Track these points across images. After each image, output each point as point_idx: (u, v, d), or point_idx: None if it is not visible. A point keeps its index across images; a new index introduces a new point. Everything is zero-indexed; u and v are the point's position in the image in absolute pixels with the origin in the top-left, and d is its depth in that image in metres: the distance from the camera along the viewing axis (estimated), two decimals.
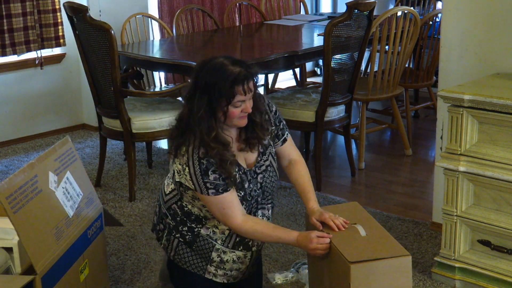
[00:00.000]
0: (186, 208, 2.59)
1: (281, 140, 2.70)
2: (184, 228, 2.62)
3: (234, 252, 2.62)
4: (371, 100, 4.77)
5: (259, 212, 2.64)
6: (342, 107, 4.32)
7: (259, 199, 2.61)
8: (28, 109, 5.34)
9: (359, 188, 4.40)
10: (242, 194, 2.53)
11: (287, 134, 2.72)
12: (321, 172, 4.27)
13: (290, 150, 2.73)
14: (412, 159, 4.87)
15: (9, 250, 2.50)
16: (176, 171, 2.49)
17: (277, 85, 6.38)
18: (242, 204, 2.53)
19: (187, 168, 2.44)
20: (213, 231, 2.60)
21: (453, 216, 3.00)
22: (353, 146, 4.89)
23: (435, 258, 3.12)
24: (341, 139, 4.97)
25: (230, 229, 2.57)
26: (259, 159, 2.60)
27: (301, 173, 2.70)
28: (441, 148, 3.28)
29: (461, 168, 2.90)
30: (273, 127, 2.65)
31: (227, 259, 2.62)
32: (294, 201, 4.04)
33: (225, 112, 2.41)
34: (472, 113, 2.85)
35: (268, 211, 2.68)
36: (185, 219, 2.61)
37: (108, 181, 4.43)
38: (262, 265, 2.96)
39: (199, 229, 2.60)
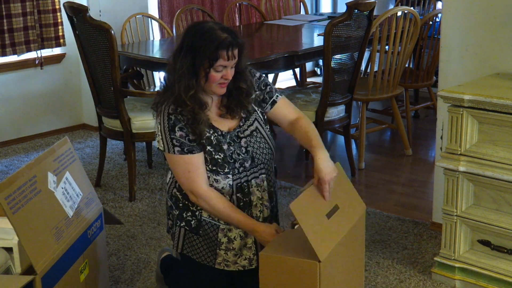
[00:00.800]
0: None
1: (269, 103, 2.67)
2: (188, 214, 2.61)
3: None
4: (371, 100, 4.77)
5: (253, 181, 2.60)
6: (342, 107, 4.32)
7: (247, 164, 2.57)
8: (28, 109, 5.35)
9: (359, 188, 4.40)
10: (222, 156, 2.53)
11: (276, 96, 2.67)
12: None
13: (285, 111, 2.67)
14: (412, 159, 4.87)
15: (9, 250, 2.50)
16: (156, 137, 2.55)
17: (277, 85, 6.38)
18: (224, 167, 2.53)
19: (159, 125, 2.50)
20: None
21: (453, 216, 3.00)
22: (353, 146, 4.89)
23: (435, 258, 3.12)
24: (341, 139, 4.96)
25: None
26: (241, 124, 2.60)
27: (303, 126, 2.61)
28: (441, 148, 3.28)
29: (461, 168, 2.90)
30: (258, 92, 2.65)
31: (234, 236, 2.59)
32: None
33: (206, 74, 2.45)
34: (472, 113, 2.85)
35: (263, 181, 2.63)
36: (186, 202, 2.60)
37: (108, 181, 4.43)
38: None
39: (200, 211, 2.59)
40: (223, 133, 2.56)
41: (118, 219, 3.49)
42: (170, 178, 2.68)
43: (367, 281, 3.12)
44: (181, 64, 2.46)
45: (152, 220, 3.80)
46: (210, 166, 2.54)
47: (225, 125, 2.59)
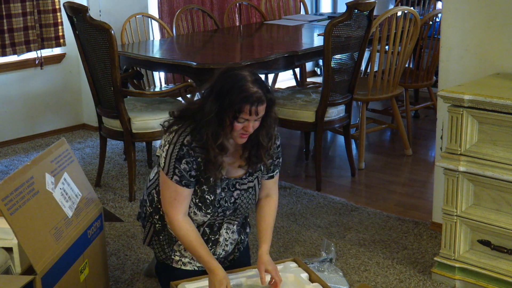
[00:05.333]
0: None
1: (269, 175, 2.73)
2: (156, 217, 2.70)
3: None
4: (371, 100, 4.77)
5: (225, 225, 2.69)
6: (342, 107, 4.32)
7: (228, 213, 2.65)
8: (28, 109, 5.34)
9: (359, 188, 4.40)
10: (212, 198, 2.58)
11: (276, 172, 2.74)
12: (321, 172, 4.27)
13: (271, 186, 2.76)
14: (412, 159, 4.86)
15: (9, 250, 2.50)
16: (159, 146, 2.58)
17: (277, 85, 6.38)
18: (209, 208, 2.58)
19: (167, 145, 2.52)
20: None
21: (453, 216, 3.00)
22: (353, 146, 4.89)
23: (435, 258, 3.12)
24: (341, 139, 4.97)
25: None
26: (243, 177, 2.64)
27: (270, 213, 2.72)
28: (441, 148, 3.28)
29: (461, 168, 2.90)
30: (271, 160, 2.67)
31: (186, 255, 2.70)
32: (294, 201, 4.04)
33: (231, 123, 2.44)
34: (472, 113, 2.85)
35: (234, 226, 2.73)
36: (159, 206, 2.67)
37: (108, 181, 4.43)
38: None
39: (166, 221, 2.65)
40: (223, 177, 2.59)
41: (118, 217, 3.50)
42: (153, 178, 2.72)
43: (367, 281, 3.12)
44: (209, 109, 2.44)
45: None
46: (197, 201, 2.59)
47: (228, 170, 2.61)
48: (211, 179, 2.54)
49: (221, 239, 2.69)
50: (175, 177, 2.50)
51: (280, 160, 2.73)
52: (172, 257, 2.71)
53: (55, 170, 2.62)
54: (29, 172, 2.46)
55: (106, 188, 4.31)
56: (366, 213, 3.87)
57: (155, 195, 2.70)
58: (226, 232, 2.70)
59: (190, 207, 2.59)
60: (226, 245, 2.72)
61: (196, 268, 2.71)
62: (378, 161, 4.84)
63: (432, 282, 3.10)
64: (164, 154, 2.52)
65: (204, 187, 2.56)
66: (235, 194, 2.63)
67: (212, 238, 2.68)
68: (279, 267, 2.67)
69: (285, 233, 3.61)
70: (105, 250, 2.94)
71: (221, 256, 2.71)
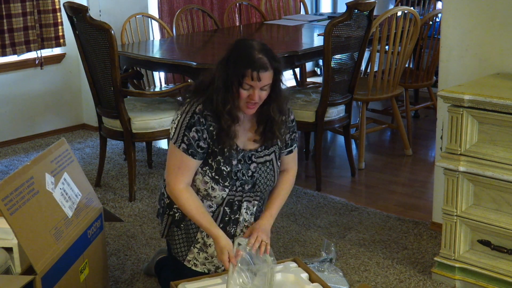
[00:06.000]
0: None
1: (288, 150, 2.74)
2: (175, 206, 2.68)
3: None
4: (371, 100, 4.77)
5: (244, 204, 2.68)
6: (342, 107, 4.32)
7: (246, 187, 2.64)
8: (28, 109, 5.34)
9: (359, 188, 4.40)
10: (228, 169, 2.58)
11: (294, 146, 2.76)
12: (321, 172, 4.27)
13: (290, 161, 2.77)
14: (412, 159, 4.87)
15: (9, 250, 2.50)
16: (171, 121, 2.61)
17: None
18: (226, 180, 2.58)
19: (179, 116, 2.55)
20: None
21: (453, 216, 3.00)
22: (353, 146, 4.89)
23: (435, 258, 3.12)
24: (341, 139, 4.97)
25: (212, 204, 2.64)
26: (259, 149, 2.65)
27: (283, 182, 2.74)
28: (441, 148, 3.28)
29: (461, 168, 2.90)
30: (288, 135, 2.69)
31: (210, 243, 2.67)
32: (294, 201, 4.04)
33: (237, 90, 2.47)
34: (472, 113, 2.85)
35: (254, 207, 2.71)
36: None
37: (108, 181, 4.43)
38: None
39: None
40: (238, 148, 2.60)
41: (118, 217, 3.50)
42: None
43: (367, 281, 3.12)
44: (218, 77, 2.49)
45: (152, 220, 3.80)
46: (213, 174, 2.59)
47: (244, 142, 2.62)
48: (225, 149, 2.55)
49: (241, 219, 2.68)
50: (183, 145, 2.52)
51: (296, 134, 2.75)
52: (191, 249, 2.68)
53: (55, 170, 2.62)
54: (29, 172, 2.46)
55: (106, 188, 4.31)
56: (366, 213, 3.87)
57: None
58: (246, 212, 2.69)
59: (207, 182, 2.59)
60: (246, 226, 2.70)
61: (206, 271, 2.69)
62: (378, 161, 4.85)
63: (432, 282, 3.10)
64: (175, 125, 2.55)
65: (219, 157, 2.57)
66: (252, 167, 2.63)
67: (233, 218, 2.67)
68: (279, 267, 2.66)
69: (285, 233, 3.61)
70: (105, 250, 2.94)
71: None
